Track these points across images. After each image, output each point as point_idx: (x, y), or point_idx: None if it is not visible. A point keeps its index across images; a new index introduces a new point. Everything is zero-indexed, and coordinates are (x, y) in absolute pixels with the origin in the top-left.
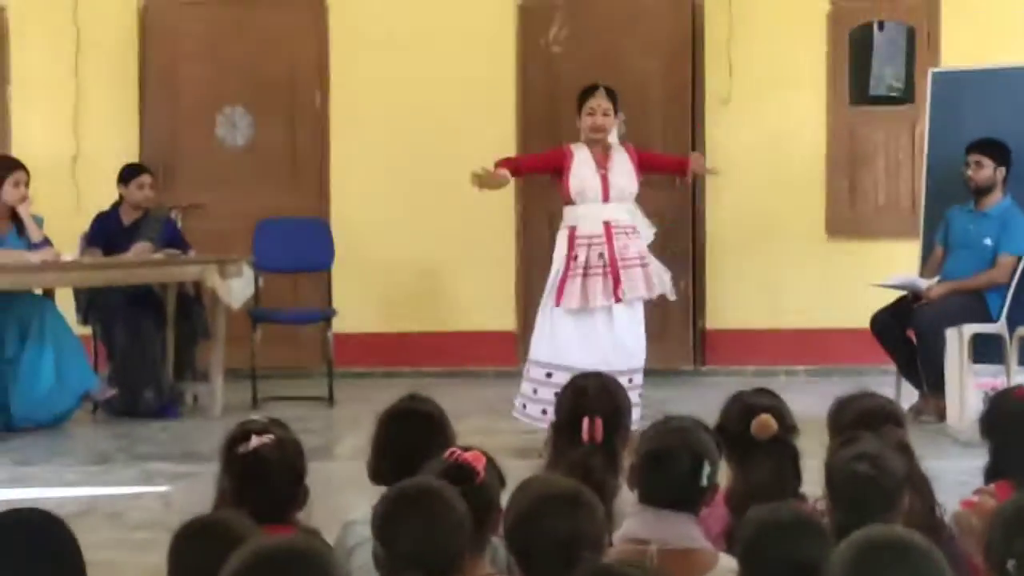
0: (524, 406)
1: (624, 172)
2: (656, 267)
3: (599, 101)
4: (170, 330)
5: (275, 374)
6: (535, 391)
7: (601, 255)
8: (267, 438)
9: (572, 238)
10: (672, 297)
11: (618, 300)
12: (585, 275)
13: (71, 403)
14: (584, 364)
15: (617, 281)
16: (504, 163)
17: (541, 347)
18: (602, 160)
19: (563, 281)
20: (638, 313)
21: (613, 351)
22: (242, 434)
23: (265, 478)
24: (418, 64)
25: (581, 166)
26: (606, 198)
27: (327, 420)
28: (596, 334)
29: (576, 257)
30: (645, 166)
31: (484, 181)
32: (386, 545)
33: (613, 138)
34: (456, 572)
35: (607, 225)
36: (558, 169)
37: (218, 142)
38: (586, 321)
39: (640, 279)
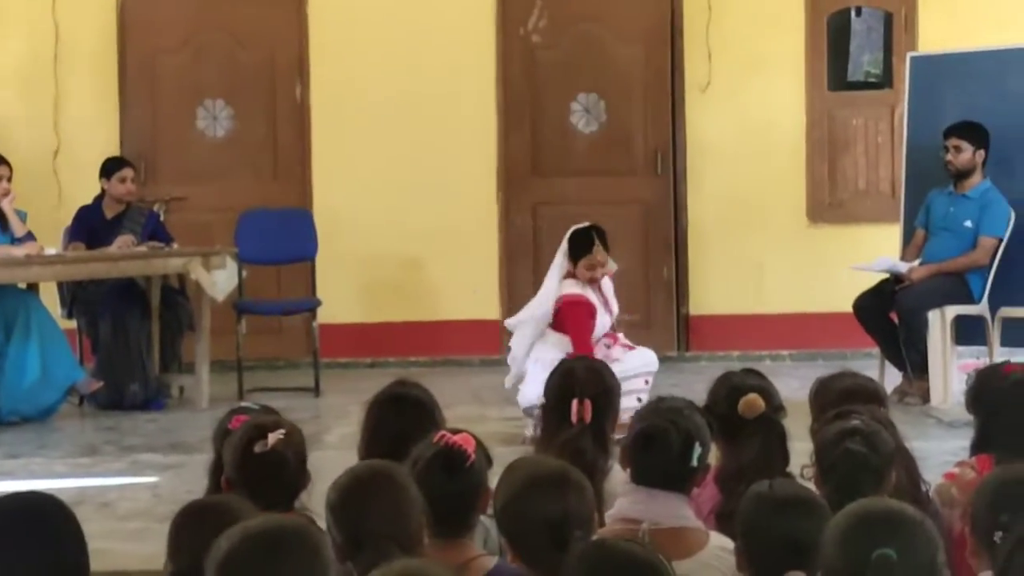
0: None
1: (614, 301)
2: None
3: (599, 257)
4: (155, 323)
5: (260, 365)
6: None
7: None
8: (280, 433)
9: None
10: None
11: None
12: None
13: (57, 396)
14: None
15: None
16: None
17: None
18: (601, 297)
19: None
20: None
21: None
22: (257, 432)
23: (281, 473)
24: (397, 55)
25: (597, 312)
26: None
27: (314, 410)
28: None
29: None
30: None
31: None
32: (348, 528)
33: None
34: (419, 546)
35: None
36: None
37: (199, 135)
38: None
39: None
